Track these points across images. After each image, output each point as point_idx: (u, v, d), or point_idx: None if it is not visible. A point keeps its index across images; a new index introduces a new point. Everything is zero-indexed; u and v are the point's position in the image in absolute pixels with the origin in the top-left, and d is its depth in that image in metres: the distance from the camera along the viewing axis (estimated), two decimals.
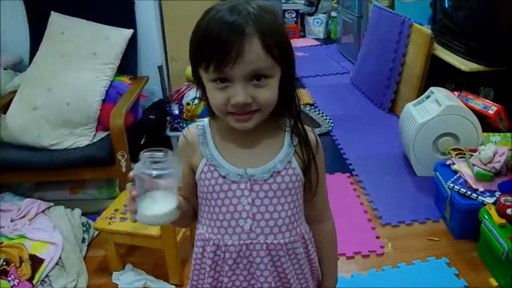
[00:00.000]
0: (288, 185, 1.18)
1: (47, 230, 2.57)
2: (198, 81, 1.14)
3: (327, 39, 7.34)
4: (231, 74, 1.03)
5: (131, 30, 3.26)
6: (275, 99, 1.10)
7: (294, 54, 1.13)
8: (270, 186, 1.17)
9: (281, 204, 1.18)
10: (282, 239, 1.20)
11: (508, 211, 2.35)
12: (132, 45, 3.29)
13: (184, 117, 3.46)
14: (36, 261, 2.38)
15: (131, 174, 1.04)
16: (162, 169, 1.03)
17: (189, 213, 1.26)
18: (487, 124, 3.18)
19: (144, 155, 1.05)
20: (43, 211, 2.73)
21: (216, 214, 1.19)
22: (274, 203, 1.18)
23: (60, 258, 2.47)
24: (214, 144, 1.20)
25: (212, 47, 1.01)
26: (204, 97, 1.16)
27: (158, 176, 1.04)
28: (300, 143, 1.20)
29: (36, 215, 2.68)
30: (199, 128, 1.23)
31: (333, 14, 7.15)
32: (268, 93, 1.07)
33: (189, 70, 3.92)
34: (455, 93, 3.40)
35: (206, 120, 1.24)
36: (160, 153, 1.05)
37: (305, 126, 1.21)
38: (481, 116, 3.15)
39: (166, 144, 3.37)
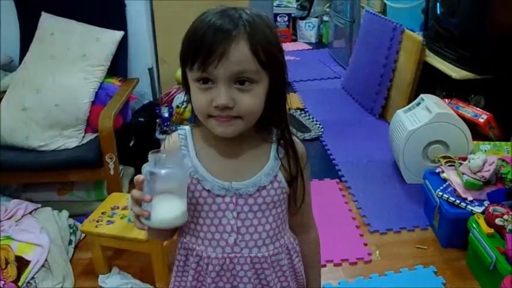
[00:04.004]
0: (273, 198, 1.16)
1: (33, 231, 2.55)
2: (185, 84, 1.12)
3: (319, 44, 7.35)
4: (215, 73, 1.01)
5: (122, 32, 3.23)
6: (258, 107, 1.07)
7: (286, 68, 1.11)
8: (255, 201, 1.14)
9: (265, 217, 1.16)
10: (266, 251, 1.18)
11: (497, 221, 2.36)
12: (122, 47, 3.27)
13: (173, 120, 3.44)
14: (22, 263, 2.36)
15: (140, 177, 1.02)
16: (172, 168, 1.02)
17: None
18: (477, 132, 3.19)
19: (153, 155, 1.03)
20: (30, 212, 2.71)
21: (200, 226, 1.16)
22: (258, 217, 1.15)
23: (46, 260, 2.45)
24: (196, 154, 1.16)
25: (198, 45, 1.00)
26: (190, 100, 1.12)
27: (167, 177, 1.02)
28: (288, 155, 1.17)
29: (23, 216, 2.66)
30: (180, 137, 1.19)
31: (325, 18, 7.16)
32: (251, 99, 1.04)
33: (179, 73, 3.91)
34: (446, 100, 3.40)
35: (187, 127, 1.20)
36: (166, 154, 1.05)
37: (293, 138, 1.19)
38: (471, 124, 3.16)
39: (155, 147, 3.35)
